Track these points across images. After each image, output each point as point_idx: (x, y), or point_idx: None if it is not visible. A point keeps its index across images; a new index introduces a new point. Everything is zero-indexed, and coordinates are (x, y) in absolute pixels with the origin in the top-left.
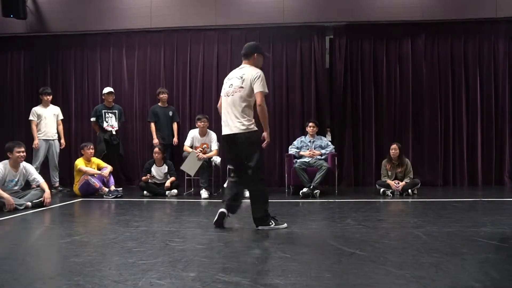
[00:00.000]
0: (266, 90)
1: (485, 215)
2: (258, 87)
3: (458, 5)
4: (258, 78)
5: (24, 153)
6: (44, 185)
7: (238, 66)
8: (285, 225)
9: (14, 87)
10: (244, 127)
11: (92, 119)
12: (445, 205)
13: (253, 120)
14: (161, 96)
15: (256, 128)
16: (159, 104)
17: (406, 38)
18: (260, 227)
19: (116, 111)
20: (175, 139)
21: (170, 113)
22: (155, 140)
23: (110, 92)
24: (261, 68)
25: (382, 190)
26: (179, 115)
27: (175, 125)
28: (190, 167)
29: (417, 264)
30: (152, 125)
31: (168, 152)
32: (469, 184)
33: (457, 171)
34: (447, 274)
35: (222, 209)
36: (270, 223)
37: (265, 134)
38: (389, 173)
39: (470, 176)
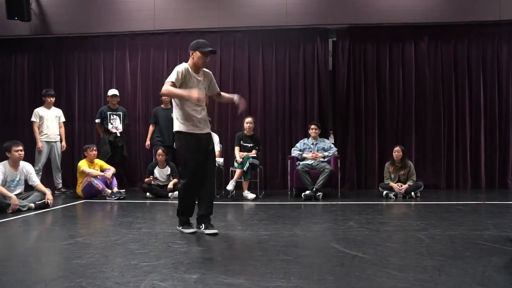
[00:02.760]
0: (171, 79)
1: (489, 218)
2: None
3: (461, 8)
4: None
5: (23, 152)
6: (41, 187)
7: (240, 68)
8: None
9: (18, 89)
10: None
11: (97, 120)
12: (448, 208)
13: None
14: (164, 98)
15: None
16: (162, 105)
17: (409, 41)
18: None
19: (121, 113)
20: None
21: (172, 115)
22: (147, 142)
23: (114, 95)
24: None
25: (385, 192)
26: None
27: None
28: None
29: (420, 267)
30: (150, 127)
31: (169, 155)
32: (472, 187)
33: (460, 174)
34: (450, 277)
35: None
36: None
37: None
38: (392, 175)
39: (474, 179)
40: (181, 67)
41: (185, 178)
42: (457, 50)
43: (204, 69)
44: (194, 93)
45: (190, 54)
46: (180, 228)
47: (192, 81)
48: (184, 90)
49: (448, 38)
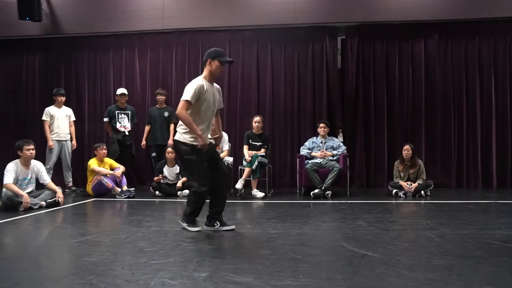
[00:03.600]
0: (187, 98)
1: (500, 218)
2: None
3: (472, 4)
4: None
5: (34, 151)
6: (52, 185)
7: (249, 66)
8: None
9: (29, 88)
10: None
11: (105, 119)
12: (459, 207)
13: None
14: (158, 97)
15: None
16: (157, 105)
17: (419, 39)
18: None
19: (129, 112)
20: (170, 141)
21: (166, 114)
22: (143, 142)
23: (122, 94)
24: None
25: (394, 191)
26: None
27: (171, 126)
28: None
29: (430, 267)
30: (146, 127)
31: (159, 152)
32: (483, 186)
33: (471, 173)
34: (460, 277)
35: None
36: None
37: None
38: (402, 174)
39: (484, 178)
40: (196, 84)
41: (195, 185)
42: (467, 47)
43: (214, 83)
44: (204, 142)
45: (208, 62)
46: (185, 225)
47: (208, 94)
48: (197, 131)
49: (458, 35)
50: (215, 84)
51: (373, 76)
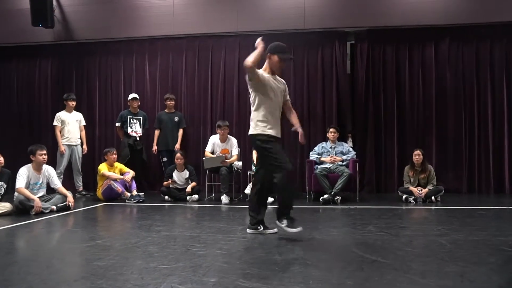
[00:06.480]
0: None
1: None
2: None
3: (484, 8)
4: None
5: (46, 156)
6: (63, 189)
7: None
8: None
9: (42, 93)
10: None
11: (117, 124)
12: (471, 213)
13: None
14: (168, 102)
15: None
16: (166, 110)
17: (429, 43)
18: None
19: (141, 117)
20: (177, 145)
21: (176, 119)
22: (154, 147)
23: (134, 98)
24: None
25: (404, 197)
26: (201, 121)
27: (180, 131)
28: (210, 162)
29: (442, 273)
30: (156, 132)
31: (170, 158)
32: (496, 192)
33: (483, 178)
34: (473, 283)
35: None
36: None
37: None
38: (412, 179)
39: (497, 183)
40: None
41: (277, 170)
42: (479, 51)
43: (277, 77)
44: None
45: (267, 56)
46: (283, 225)
47: (271, 83)
48: (259, 51)
49: (470, 39)
50: (278, 78)
51: (383, 81)
